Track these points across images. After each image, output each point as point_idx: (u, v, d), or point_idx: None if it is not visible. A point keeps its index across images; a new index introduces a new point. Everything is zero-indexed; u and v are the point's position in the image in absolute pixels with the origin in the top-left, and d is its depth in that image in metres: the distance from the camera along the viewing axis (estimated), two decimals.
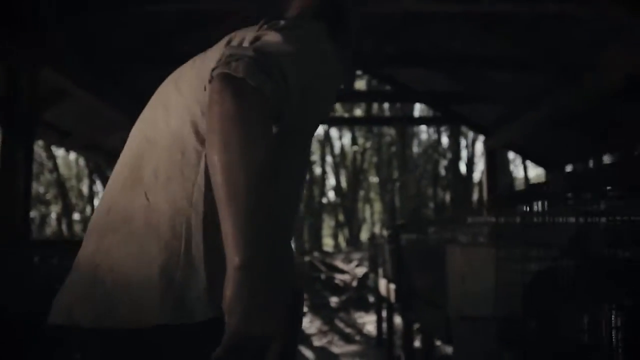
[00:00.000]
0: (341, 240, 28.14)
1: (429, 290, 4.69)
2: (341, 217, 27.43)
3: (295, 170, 1.47)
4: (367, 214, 31.65)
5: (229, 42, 1.46)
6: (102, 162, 9.50)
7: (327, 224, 30.80)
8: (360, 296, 12.65)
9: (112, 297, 1.28)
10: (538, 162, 10.31)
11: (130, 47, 6.32)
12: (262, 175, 1.16)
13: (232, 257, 1.12)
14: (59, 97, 6.44)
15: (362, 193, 28.84)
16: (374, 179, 28.72)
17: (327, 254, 19.42)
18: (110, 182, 1.47)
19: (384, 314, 8.33)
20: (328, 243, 29.51)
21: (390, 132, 24.79)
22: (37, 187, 24.83)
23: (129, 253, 1.31)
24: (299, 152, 1.47)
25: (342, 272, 14.10)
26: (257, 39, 1.35)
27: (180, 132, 1.39)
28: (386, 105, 20.47)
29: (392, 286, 6.80)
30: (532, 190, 2.52)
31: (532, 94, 7.72)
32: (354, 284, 13.21)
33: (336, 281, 13.39)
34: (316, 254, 17.42)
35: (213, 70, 1.22)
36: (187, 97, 1.43)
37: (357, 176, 25.96)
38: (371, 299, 12.22)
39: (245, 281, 1.11)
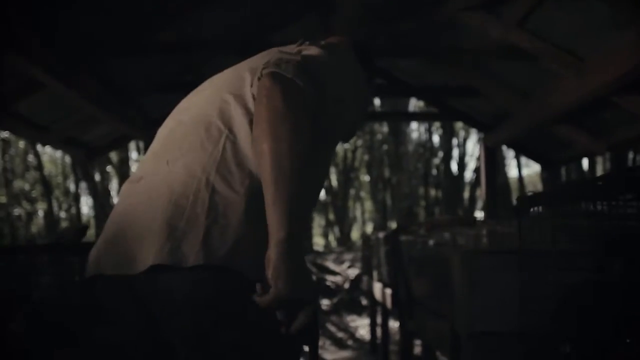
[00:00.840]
0: (332, 239, 27.96)
1: (431, 298, 4.27)
2: (332, 216, 27.11)
3: (320, 172, 1.66)
4: (358, 212, 31.36)
5: (268, 53, 1.65)
6: (82, 157, 9.03)
7: (318, 223, 30.35)
8: (352, 298, 12.23)
9: (127, 247, 1.50)
10: (539, 160, 9.90)
11: (101, 37, 5.89)
12: (304, 164, 1.37)
13: (278, 231, 1.32)
14: (34, 89, 6.05)
15: (352, 192, 28.48)
16: (365, 178, 28.51)
17: (317, 253, 19.04)
18: (145, 157, 1.71)
19: (379, 318, 7.91)
20: (319, 242, 29.22)
21: (382, 129, 24.58)
22: (23, 184, 24.49)
23: (145, 210, 1.52)
24: (325, 158, 1.68)
25: (334, 273, 13.65)
26: (300, 50, 1.58)
27: (208, 113, 1.61)
28: (377, 101, 20.48)
29: (388, 291, 6.40)
30: (583, 187, 2.08)
31: (534, 87, 7.34)
32: (346, 285, 12.80)
33: (327, 283, 12.94)
34: (306, 254, 16.95)
35: (263, 69, 1.44)
36: (220, 88, 1.66)
37: (348, 174, 25.67)
38: (364, 301, 11.87)
39: (290, 251, 1.32)
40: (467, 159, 24.59)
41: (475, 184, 23.65)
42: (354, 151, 25.40)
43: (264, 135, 1.37)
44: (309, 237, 23.30)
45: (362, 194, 30.42)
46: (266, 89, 1.41)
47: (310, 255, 16.49)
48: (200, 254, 1.41)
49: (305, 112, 1.40)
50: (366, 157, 25.41)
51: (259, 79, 1.47)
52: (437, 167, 24.79)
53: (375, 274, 7.55)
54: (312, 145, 1.40)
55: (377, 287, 7.26)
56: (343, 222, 25.80)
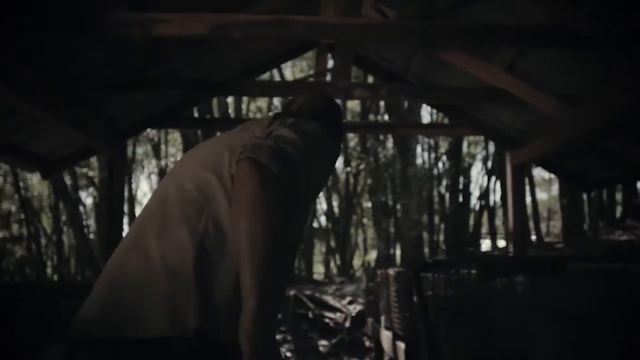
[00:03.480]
0: (332, 266, 26.73)
1: None
2: (333, 243, 25.86)
3: (299, 222, 1.88)
4: (360, 239, 30.06)
5: (243, 129, 1.95)
6: (33, 171, 7.65)
7: (319, 250, 29.39)
8: (353, 339, 10.83)
9: (128, 312, 1.63)
10: (574, 181, 8.43)
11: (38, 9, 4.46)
12: (276, 241, 1.57)
13: (249, 299, 1.51)
14: None
15: (354, 218, 27.12)
16: (367, 204, 27.20)
17: (317, 283, 18.15)
18: (133, 226, 1.85)
19: None
20: (319, 270, 28.21)
21: (386, 152, 23.27)
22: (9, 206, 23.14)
23: (144, 278, 1.66)
24: (304, 210, 1.90)
25: (333, 309, 12.10)
26: (271, 132, 1.79)
27: (191, 189, 1.79)
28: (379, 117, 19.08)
29: (401, 345, 4.95)
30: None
31: (572, 95, 5.97)
32: (347, 324, 11.27)
33: (326, 320, 11.41)
34: (304, 286, 15.58)
35: (241, 152, 1.67)
36: (200, 165, 1.85)
37: (350, 200, 24.30)
38: (367, 342, 10.47)
39: (259, 318, 1.49)
40: (471, 186, 23.82)
41: (480, 211, 23.07)
42: (356, 175, 24.11)
43: (241, 215, 1.58)
44: (309, 265, 22.00)
45: (365, 220, 29.25)
46: (243, 174, 1.62)
47: (309, 286, 15.27)
48: (196, 323, 1.58)
49: (279, 196, 1.61)
50: (369, 181, 24.07)
51: (237, 162, 1.67)
52: (441, 195, 23.96)
53: (383, 319, 6.07)
54: (284, 223, 1.63)
55: (386, 337, 5.79)
56: (344, 249, 24.56)
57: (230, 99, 20.49)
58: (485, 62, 6.09)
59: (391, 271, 5.55)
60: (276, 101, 22.77)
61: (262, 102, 23.33)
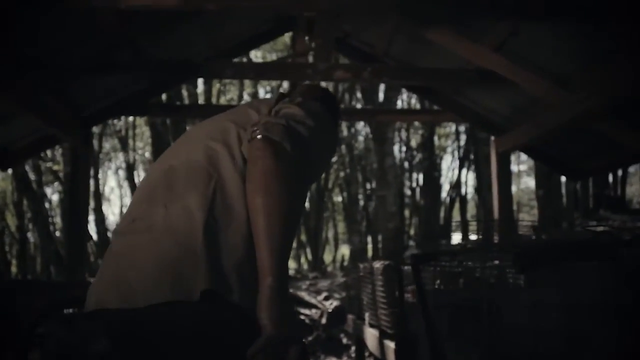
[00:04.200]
0: (303, 261, 26.64)
1: None
2: (303, 237, 25.63)
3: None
4: (330, 234, 29.93)
5: (248, 106, 1.97)
6: None
7: None
8: (330, 336, 10.37)
9: (133, 283, 1.63)
10: (563, 169, 8.16)
11: None
12: (292, 216, 1.63)
13: (266, 277, 1.54)
14: None
15: (326, 213, 26.88)
16: (338, 198, 27.14)
17: (290, 278, 17.29)
18: (136, 198, 1.88)
19: None
20: (290, 265, 27.28)
21: (358, 145, 23.02)
22: None
23: (150, 248, 1.67)
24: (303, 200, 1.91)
25: (309, 305, 11.72)
26: (280, 109, 1.83)
27: (197, 159, 1.81)
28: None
29: (391, 344, 4.59)
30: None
31: (566, 77, 5.68)
32: (323, 320, 10.89)
33: (302, 317, 11.03)
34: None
35: (254, 131, 1.71)
36: (204, 137, 1.87)
37: (321, 194, 23.97)
38: (345, 339, 10.12)
39: (277, 295, 1.52)
40: (442, 180, 23.90)
41: (451, 204, 23.30)
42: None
43: (257, 191, 1.62)
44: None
45: (336, 215, 29.11)
46: (259, 150, 1.66)
47: None
48: (204, 286, 1.57)
49: (292, 172, 1.65)
50: (342, 174, 23.79)
51: (249, 140, 1.72)
52: (412, 188, 24.08)
53: (367, 316, 5.70)
54: (298, 199, 1.69)
55: (371, 335, 5.42)
56: (316, 244, 24.30)
57: (200, 89, 19.98)
58: (474, 43, 5.76)
59: (377, 264, 5.18)
60: (246, 95, 22.33)
61: (232, 94, 22.82)
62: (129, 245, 1.71)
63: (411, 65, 7.43)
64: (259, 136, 1.67)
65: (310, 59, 6.84)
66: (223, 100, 21.85)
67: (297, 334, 1.55)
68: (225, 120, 1.91)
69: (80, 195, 7.44)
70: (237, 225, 1.68)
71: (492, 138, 7.78)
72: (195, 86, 18.06)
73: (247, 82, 22.07)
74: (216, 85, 21.05)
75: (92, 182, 20.20)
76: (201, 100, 19.64)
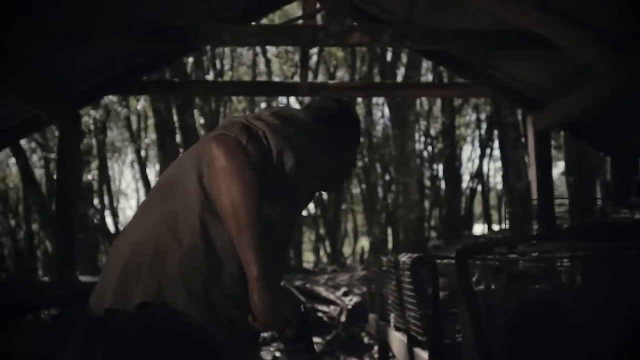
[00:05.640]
0: (322, 254, 26.49)
1: None
2: (322, 230, 25.36)
3: (290, 213, 2.01)
4: (350, 226, 29.93)
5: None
6: None
7: (308, 238, 28.86)
8: (350, 335, 9.71)
9: (103, 289, 1.86)
10: (606, 148, 7.36)
11: None
12: (257, 209, 1.73)
13: (249, 269, 1.71)
14: None
15: (344, 205, 26.43)
16: (356, 190, 26.79)
17: (307, 272, 17.27)
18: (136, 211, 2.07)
19: None
20: (309, 258, 27.76)
21: (376, 133, 22.36)
22: None
23: (117, 258, 1.88)
24: (290, 215, 2.02)
25: (327, 302, 11.01)
26: (261, 115, 1.93)
27: (187, 179, 1.93)
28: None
29: (423, 354, 3.84)
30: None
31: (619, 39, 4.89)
32: (343, 318, 10.18)
33: (319, 314, 10.32)
34: (293, 275, 14.54)
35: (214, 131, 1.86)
36: (191, 162, 1.98)
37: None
38: (366, 338, 9.48)
39: (262, 285, 1.70)
40: (462, 169, 23.56)
41: (472, 195, 23.07)
42: None
43: (219, 190, 1.75)
44: (298, 254, 21.13)
45: (354, 207, 28.95)
46: (212, 150, 1.76)
47: (299, 276, 14.49)
48: (141, 296, 1.76)
49: (248, 169, 1.74)
50: (360, 164, 23.13)
51: (210, 140, 1.83)
52: (433, 177, 23.81)
53: (392, 318, 4.94)
54: (262, 193, 1.75)
55: (397, 340, 4.67)
56: (335, 237, 23.77)
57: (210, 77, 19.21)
58: None
59: (404, 257, 4.39)
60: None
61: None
62: (112, 252, 1.96)
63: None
64: (215, 134, 1.81)
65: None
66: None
67: (288, 312, 1.77)
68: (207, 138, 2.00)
69: (72, 182, 6.70)
70: (193, 231, 1.82)
71: (528, 116, 6.99)
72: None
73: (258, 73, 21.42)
74: (228, 73, 20.42)
75: (98, 175, 19.62)
76: None
